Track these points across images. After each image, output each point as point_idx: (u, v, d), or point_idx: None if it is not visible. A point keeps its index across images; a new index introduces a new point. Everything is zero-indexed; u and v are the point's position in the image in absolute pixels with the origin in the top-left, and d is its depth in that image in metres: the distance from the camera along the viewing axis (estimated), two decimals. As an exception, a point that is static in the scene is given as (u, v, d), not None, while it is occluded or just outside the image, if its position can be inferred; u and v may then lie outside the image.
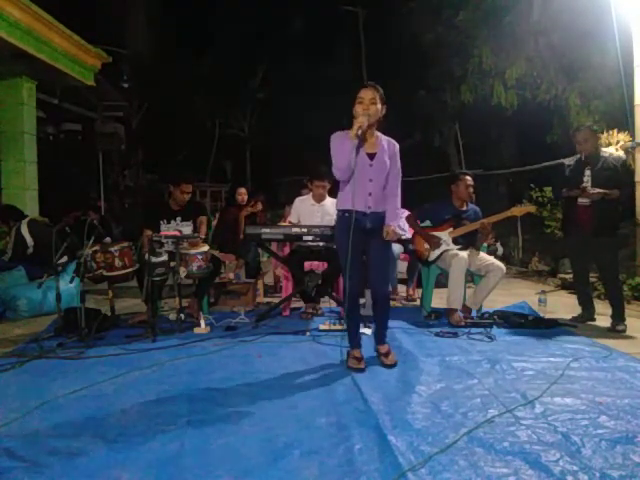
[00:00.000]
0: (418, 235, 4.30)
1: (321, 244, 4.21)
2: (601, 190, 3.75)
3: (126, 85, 12.93)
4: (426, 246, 4.22)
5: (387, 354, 3.02)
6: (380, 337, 3.09)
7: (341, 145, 2.75)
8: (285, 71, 17.40)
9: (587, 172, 3.90)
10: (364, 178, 2.79)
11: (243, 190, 5.31)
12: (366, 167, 2.80)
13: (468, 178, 4.16)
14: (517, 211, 4.22)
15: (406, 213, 4.51)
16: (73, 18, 6.91)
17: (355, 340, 2.98)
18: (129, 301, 4.77)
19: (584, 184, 3.89)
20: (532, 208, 4.43)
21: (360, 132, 2.68)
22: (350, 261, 2.76)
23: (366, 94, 2.75)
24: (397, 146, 2.93)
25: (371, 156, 2.83)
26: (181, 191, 4.16)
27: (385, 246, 2.96)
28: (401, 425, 2.16)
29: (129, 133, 12.43)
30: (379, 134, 2.90)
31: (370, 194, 2.82)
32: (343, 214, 2.87)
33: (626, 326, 3.82)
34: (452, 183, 4.21)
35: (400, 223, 2.93)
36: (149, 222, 4.18)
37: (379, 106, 2.77)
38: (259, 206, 5.20)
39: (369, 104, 2.74)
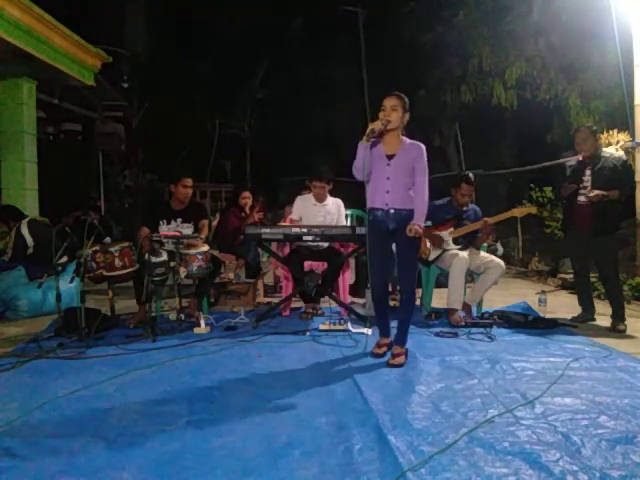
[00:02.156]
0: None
1: (321, 244, 4.21)
2: (600, 192, 3.75)
3: (126, 85, 12.91)
4: (427, 245, 4.22)
5: (395, 355, 3.03)
6: (397, 337, 3.11)
7: (359, 149, 2.97)
8: (285, 71, 17.39)
9: (587, 172, 3.91)
10: (381, 177, 3.00)
11: (247, 194, 5.22)
12: (383, 167, 3.00)
13: (469, 187, 4.13)
14: (518, 212, 4.22)
15: None
16: (73, 18, 6.92)
17: (380, 329, 3.25)
18: (129, 301, 4.76)
19: (584, 184, 3.90)
20: (533, 209, 4.43)
21: (372, 135, 2.89)
22: (373, 259, 3.03)
23: (388, 102, 2.95)
24: (422, 147, 3.04)
25: (390, 157, 3.01)
26: (183, 185, 4.16)
27: (410, 245, 3.04)
28: (401, 425, 2.16)
29: (129, 133, 12.39)
30: (405, 138, 3.06)
31: (388, 192, 2.99)
32: (368, 214, 3.10)
33: (626, 326, 3.83)
34: (454, 186, 4.22)
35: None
36: (148, 220, 4.17)
37: (400, 113, 2.95)
38: (261, 215, 5.15)
39: (390, 111, 2.93)
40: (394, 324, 3.16)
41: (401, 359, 3.02)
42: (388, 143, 3.02)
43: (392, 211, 2.98)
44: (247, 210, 5.15)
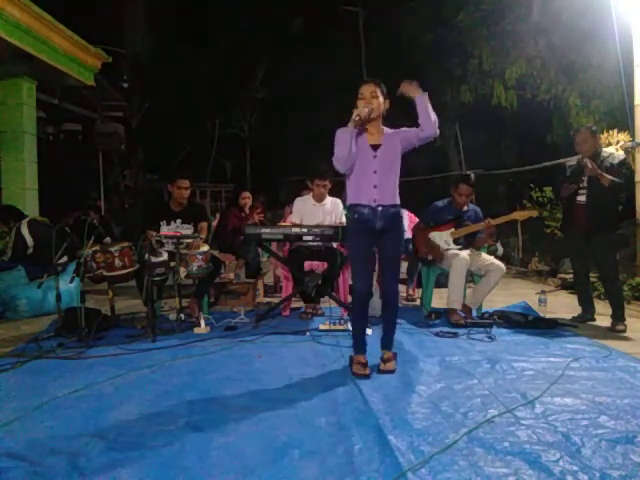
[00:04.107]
0: (419, 235, 4.28)
1: (321, 244, 4.21)
2: (597, 168, 3.75)
3: (126, 85, 12.93)
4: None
5: (387, 360, 2.91)
6: (385, 341, 2.95)
7: (341, 136, 2.69)
8: (285, 71, 17.39)
9: (586, 172, 3.91)
10: (368, 170, 2.73)
11: (247, 194, 5.25)
12: (369, 159, 2.74)
13: (467, 188, 4.10)
14: (519, 215, 4.20)
15: (411, 216, 4.49)
16: (73, 18, 6.92)
17: (359, 344, 2.86)
18: (129, 301, 4.77)
19: (584, 184, 3.90)
20: (534, 213, 4.38)
21: (358, 119, 2.63)
22: (358, 262, 2.81)
23: (366, 89, 2.72)
24: (403, 128, 2.82)
25: (375, 147, 2.75)
26: (178, 187, 4.15)
27: (397, 245, 2.86)
28: (401, 425, 2.16)
29: (129, 133, 12.40)
30: (385, 128, 2.83)
31: (375, 186, 2.72)
32: (349, 210, 2.82)
33: (626, 326, 3.82)
34: (453, 186, 4.21)
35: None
36: (150, 223, 4.16)
37: (381, 99, 2.73)
38: (261, 216, 5.16)
39: (370, 98, 2.71)
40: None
41: (393, 364, 2.89)
42: (371, 133, 2.78)
43: (380, 208, 2.72)
44: (247, 210, 5.15)
